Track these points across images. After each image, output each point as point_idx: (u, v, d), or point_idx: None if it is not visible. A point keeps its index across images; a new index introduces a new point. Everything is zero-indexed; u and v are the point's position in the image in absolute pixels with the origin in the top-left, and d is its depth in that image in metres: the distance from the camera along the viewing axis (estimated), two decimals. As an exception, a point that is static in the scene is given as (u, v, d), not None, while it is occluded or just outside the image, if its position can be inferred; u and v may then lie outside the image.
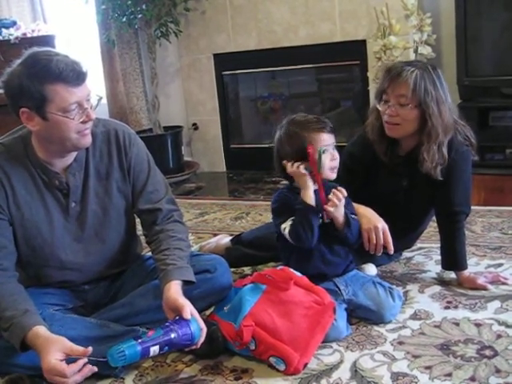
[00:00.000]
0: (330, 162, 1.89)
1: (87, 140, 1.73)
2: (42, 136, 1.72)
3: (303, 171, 1.86)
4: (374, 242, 1.96)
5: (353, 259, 2.02)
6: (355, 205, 2.02)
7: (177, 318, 1.63)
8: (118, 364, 1.55)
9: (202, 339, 1.66)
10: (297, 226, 1.86)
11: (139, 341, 1.55)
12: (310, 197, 1.86)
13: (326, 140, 1.89)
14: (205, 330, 1.67)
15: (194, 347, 1.67)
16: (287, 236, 1.89)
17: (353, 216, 1.93)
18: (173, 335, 1.58)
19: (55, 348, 1.53)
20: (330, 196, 1.85)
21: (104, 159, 1.84)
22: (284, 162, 1.90)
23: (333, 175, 1.92)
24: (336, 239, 1.93)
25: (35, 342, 1.56)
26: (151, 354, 1.57)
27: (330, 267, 1.94)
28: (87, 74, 1.68)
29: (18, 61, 1.66)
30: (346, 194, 1.86)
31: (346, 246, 1.97)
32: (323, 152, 1.84)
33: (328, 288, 1.88)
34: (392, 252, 2.02)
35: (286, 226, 1.89)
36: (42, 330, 1.57)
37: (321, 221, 1.89)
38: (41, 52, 1.67)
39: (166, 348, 1.60)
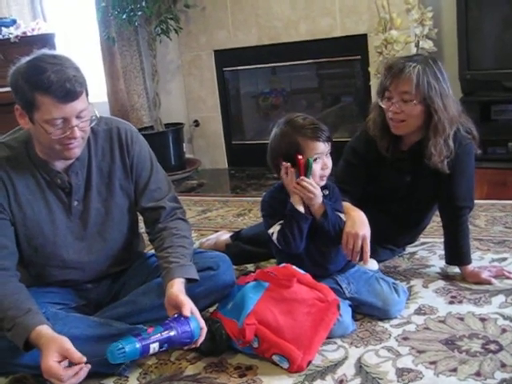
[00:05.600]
0: (321, 171, 1.87)
1: (72, 153, 1.70)
2: (34, 136, 1.71)
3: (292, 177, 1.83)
4: (351, 247, 1.88)
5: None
6: (349, 206, 1.97)
7: (176, 315, 1.62)
8: (118, 361, 1.54)
9: (202, 338, 1.65)
10: (285, 232, 1.85)
11: (139, 338, 1.54)
12: (299, 202, 1.85)
13: (320, 148, 1.85)
14: (205, 329, 1.65)
15: (193, 346, 1.67)
16: (275, 241, 1.88)
17: (337, 213, 1.90)
18: (172, 333, 1.57)
19: (53, 349, 1.51)
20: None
21: (106, 157, 1.83)
22: (283, 163, 1.85)
23: (322, 183, 1.89)
24: (325, 241, 1.91)
25: (38, 342, 1.55)
26: (151, 351, 1.56)
27: (320, 269, 1.92)
28: (80, 93, 1.62)
29: (27, 58, 1.63)
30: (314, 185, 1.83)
31: (333, 244, 1.92)
32: (314, 160, 1.83)
33: (330, 286, 1.86)
34: (367, 263, 1.93)
35: (273, 231, 1.88)
36: (44, 328, 1.56)
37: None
38: (44, 57, 1.62)
39: (166, 345, 1.59)
